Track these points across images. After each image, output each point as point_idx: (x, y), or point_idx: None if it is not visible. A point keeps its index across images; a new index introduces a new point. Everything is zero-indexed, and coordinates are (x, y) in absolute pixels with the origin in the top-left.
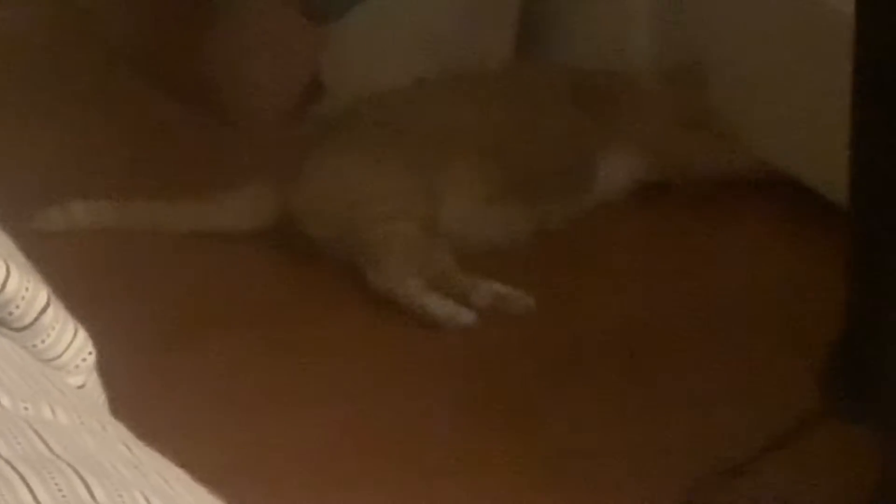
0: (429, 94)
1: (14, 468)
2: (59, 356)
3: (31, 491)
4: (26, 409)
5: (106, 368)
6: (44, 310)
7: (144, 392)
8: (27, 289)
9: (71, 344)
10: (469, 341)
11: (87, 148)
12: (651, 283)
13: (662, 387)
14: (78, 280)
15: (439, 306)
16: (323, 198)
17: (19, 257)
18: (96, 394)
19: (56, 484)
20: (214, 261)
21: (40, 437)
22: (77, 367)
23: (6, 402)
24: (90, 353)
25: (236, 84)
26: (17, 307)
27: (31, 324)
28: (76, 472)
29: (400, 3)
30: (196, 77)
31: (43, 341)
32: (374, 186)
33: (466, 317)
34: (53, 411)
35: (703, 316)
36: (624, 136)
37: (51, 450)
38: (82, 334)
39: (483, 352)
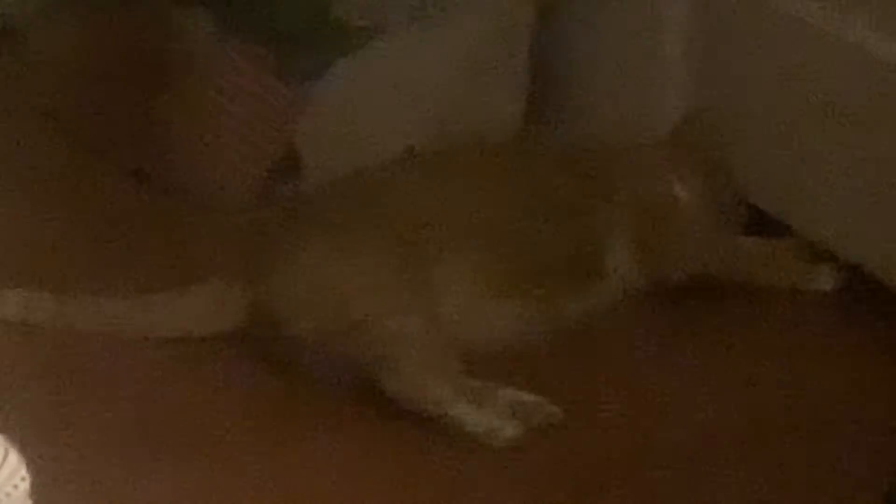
0: (422, 170)
1: None
2: None
3: None
4: None
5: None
6: None
7: None
8: None
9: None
10: (483, 460)
11: (20, 231)
12: (683, 392)
13: None
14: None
15: (478, 418)
16: (307, 292)
17: None
18: None
19: None
20: (171, 366)
21: None
22: (8, 495)
23: None
24: (23, 479)
25: (197, 156)
26: None
27: None
28: None
29: (388, 62)
30: (149, 149)
31: None
32: (370, 277)
33: (512, 430)
34: None
35: (746, 431)
36: (633, 218)
37: None
38: (14, 457)
39: (499, 473)
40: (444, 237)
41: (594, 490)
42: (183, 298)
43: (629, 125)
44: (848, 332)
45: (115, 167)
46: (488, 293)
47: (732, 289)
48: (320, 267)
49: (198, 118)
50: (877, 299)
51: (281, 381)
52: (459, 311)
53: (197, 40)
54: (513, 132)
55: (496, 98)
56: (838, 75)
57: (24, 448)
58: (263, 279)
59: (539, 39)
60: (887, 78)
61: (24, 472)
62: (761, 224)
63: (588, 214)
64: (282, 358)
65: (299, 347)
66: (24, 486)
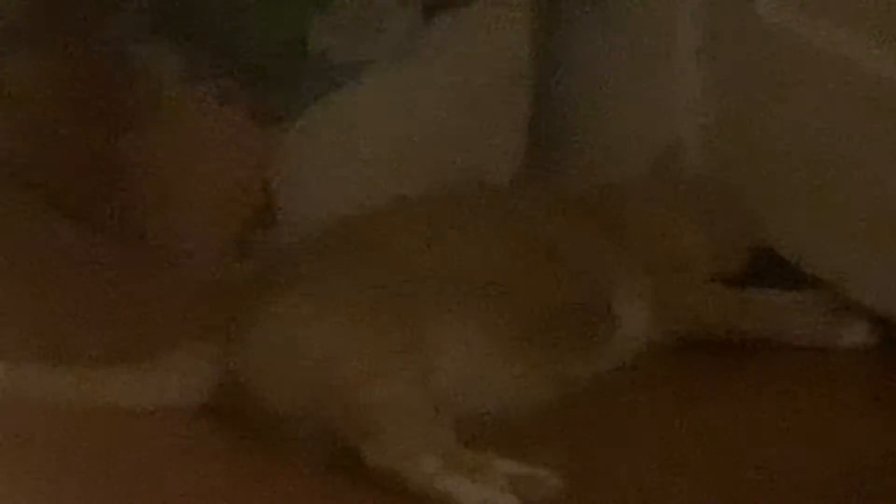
0: (413, 219)
1: None
2: None
3: None
4: None
5: None
6: None
7: None
8: None
9: None
10: None
11: None
12: (704, 459)
13: None
14: None
15: (469, 492)
16: (281, 358)
17: None
18: None
19: None
20: (138, 442)
21: None
22: None
23: None
24: None
25: (162, 206)
26: None
27: None
28: None
29: (374, 101)
30: (111, 198)
31: None
32: (348, 339)
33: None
34: None
35: (774, 498)
36: (647, 273)
37: None
38: None
39: None
40: (438, 293)
41: None
42: (147, 368)
43: (638, 161)
44: (883, 389)
45: (72, 218)
46: (487, 353)
47: (756, 345)
48: (294, 328)
49: (163, 164)
50: None
51: (256, 456)
52: (454, 375)
53: (162, 78)
54: (513, 174)
55: (494, 138)
56: (872, 107)
57: None
58: (232, 345)
59: (539, 73)
60: None
61: None
62: (786, 275)
63: (597, 264)
64: (257, 431)
65: (275, 419)
66: None
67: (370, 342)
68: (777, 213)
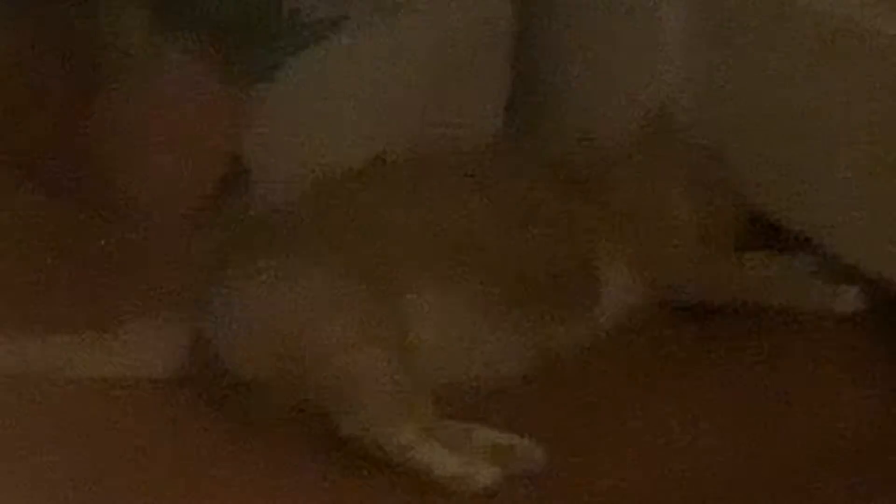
0: (391, 182)
1: None
2: None
3: None
4: None
5: None
6: None
7: None
8: None
9: None
10: None
11: None
12: (690, 429)
13: None
14: None
15: (448, 462)
16: (253, 326)
17: None
18: None
19: None
20: (108, 412)
21: None
22: None
23: None
24: None
25: (134, 171)
26: None
27: None
28: None
29: (350, 59)
30: (81, 163)
31: None
32: (322, 306)
33: (487, 475)
34: None
35: (764, 468)
36: (632, 236)
37: None
38: None
39: None
40: (416, 258)
41: None
42: (115, 338)
43: (619, 125)
44: (876, 355)
45: (39, 184)
46: (467, 321)
47: (744, 311)
48: (267, 296)
49: (133, 126)
50: None
51: (230, 426)
52: (434, 342)
53: (131, 37)
54: (493, 135)
55: (473, 98)
56: (864, 63)
57: None
58: (204, 313)
59: (520, 31)
60: None
61: None
62: (774, 237)
63: (580, 228)
64: (230, 402)
65: (249, 389)
66: None
67: (346, 309)
68: (767, 174)
